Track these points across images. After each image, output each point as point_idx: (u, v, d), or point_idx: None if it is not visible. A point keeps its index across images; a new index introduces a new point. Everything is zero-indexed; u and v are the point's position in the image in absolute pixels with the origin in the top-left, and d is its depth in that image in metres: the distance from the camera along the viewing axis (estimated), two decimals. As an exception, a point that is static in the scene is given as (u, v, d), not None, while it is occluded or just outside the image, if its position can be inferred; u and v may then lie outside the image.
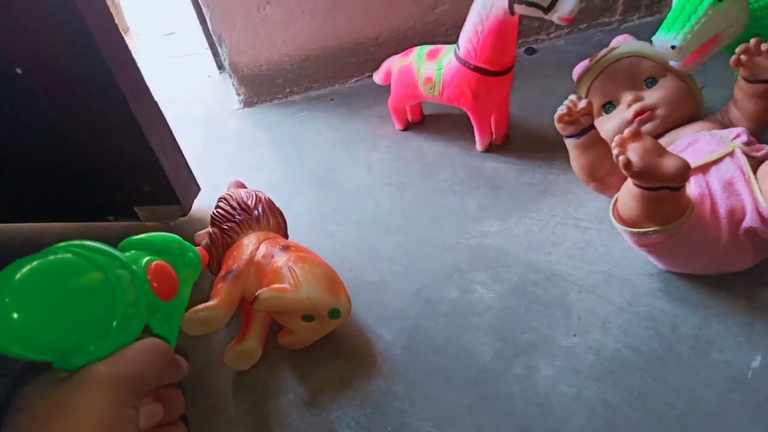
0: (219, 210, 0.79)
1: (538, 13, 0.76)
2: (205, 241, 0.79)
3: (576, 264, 0.78)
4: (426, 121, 1.06)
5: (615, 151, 0.61)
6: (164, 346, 0.37)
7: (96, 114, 0.81)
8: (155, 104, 0.87)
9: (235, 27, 1.06)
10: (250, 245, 0.73)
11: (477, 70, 0.85)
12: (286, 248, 0.72)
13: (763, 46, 0.68)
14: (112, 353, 0.35)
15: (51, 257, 0.35)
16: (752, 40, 0.69)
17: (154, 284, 0.39)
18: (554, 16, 0.76)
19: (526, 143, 0.97)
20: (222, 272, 0.71)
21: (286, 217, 0.87)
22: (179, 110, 1.24)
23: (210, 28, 1.06)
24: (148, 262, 0.39)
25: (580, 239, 0.81)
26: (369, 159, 1.02)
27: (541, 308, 0.74)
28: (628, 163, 0.59)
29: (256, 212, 0.78)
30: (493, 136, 0.97)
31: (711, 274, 0.71)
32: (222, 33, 1.06)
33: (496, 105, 0.92)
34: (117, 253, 0.38)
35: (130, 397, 0.33)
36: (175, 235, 0.43)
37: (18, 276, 0.33)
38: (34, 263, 0.34)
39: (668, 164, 0.59)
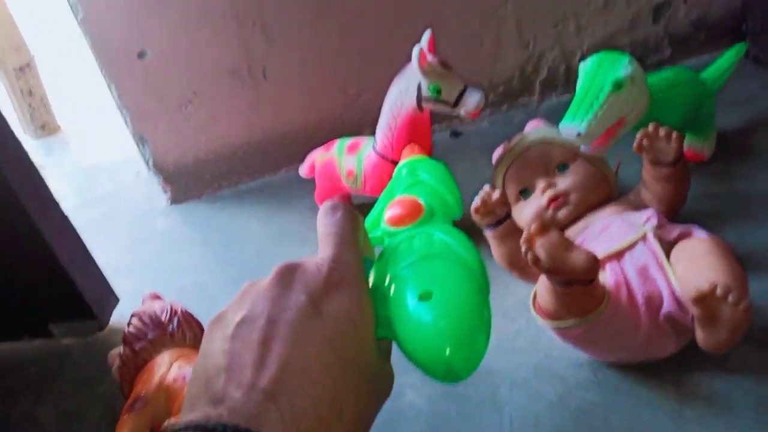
0: (131, 328, 0.75)
1: (446, 109, 0.77)
2: (117, 363, 0.75)
3: (506, 357, 0.76)
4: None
5: (523, 248, 0.60)
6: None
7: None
8: (63, 217, 0.84)
9: (157, 128, 1.04)
10: (162, 367, 0.69)
11: (395, 163, 0.85)
12: (200, 366, 0.68)
13: (662, 131, 0.70)
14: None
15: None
16: (650, 126, 0.70)
17: None
18: (461, 111, 0.77)
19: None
20: (130, 400, 0.66)
21: (209, 323, 0.83)
22: (105, 211, 1.20)
23: (130, 129, 1.04)
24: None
25: (509, 330, 0.79)
26: (299, 253, 1.00)
27: (472, 410, 0.71)
28: (536, 260, 0.59)
29: (170, 327, 0.74)
30: None
31: (638, 362, 0.70)
32: (144, 134, 1.05)
33: None
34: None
35: None
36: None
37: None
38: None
39: (577, 259, 0.59)
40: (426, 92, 0.77)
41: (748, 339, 0.59)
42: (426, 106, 0.78)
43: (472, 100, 0.75)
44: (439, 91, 0.76)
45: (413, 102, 0.79)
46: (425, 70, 0.76)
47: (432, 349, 0.32)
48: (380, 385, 0.32)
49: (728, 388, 0.67)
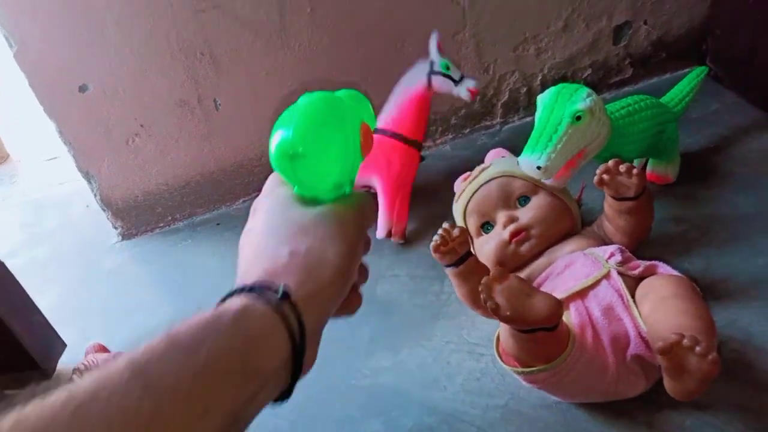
0: (71, 385, 0.70)
1: (450, 86, 0.89)
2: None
3: (472, 399, 0.72)
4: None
5: (482, 296, 0.57)
6: (372, 200, 0.45)
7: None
8: (2, 267, 0.79)
9: (103, 162, 0.99)
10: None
11: (396, 136, 0.91)
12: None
13: (622, 167, 0.68)
14: (349, 199, 0.42)
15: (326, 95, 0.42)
16: (611, 161, 0.68)
17: (362, 141, 0.42)
18: (463, 88, 0.88)
19: (418, 259, 0.94)
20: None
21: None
22: (52, 247, 1.14)
23: (75, 164, 0.99)
24: (361, 120, 0.43)
25: (475, 368, 0.76)
26: (257, 289, 0.96)
27: (438, 458, 0.68)
28: (496, 308, 0.56)
29: (114, 383, 0.69)
30: (392, 230, 0.94)
31: (608, 401, 0.67)
32: (89, 169, 1.00)
33: (406, 186, 0.95)
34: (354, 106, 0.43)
35: (364, 237, 0.42)
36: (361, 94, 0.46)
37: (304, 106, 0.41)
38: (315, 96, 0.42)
39: (538, 305, 0.56)
40: (437, 67, 0.89)
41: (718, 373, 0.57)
42: (435, 80, 0.89)
43: (472, 81, 0.89)
44: (448, 68, 0.89)
45: (424, 79, 0.90)
46: (442, 50, 0.89)
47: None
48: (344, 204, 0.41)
49: (700, 427, 0.64)
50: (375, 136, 0.92)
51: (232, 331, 0.33)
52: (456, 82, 0.89)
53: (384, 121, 0.92)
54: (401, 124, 0.91)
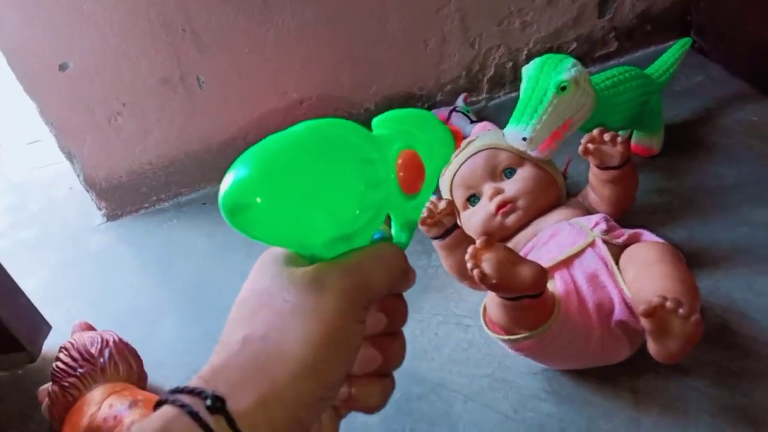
0: (59, 363, 0.69)
1: (465, 122, 1.00)
2: (46, 401, 0.69)
3: (460, 369, 0.73)
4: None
5: (469, 264, 0.57)
6: (401, 254, 0.33)
7: None
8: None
9: (85, 142, 0.98)
10: (92, 406, 0.64)
11: None
12: (134, 404, 0.63)
13: (606, 136, 0.68)
14: (348, 255, 0.31)
15: (300, 129, 0.30)
16: (595, 130, 0.69)
17: (401, 174, 0.33)
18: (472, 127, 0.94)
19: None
20: (57, 445, 0.62)
21: (149, 348, 0.78)
22: (37, 230, 1.13)
23: (57, 144, 0.98)
24: (399, 150, 0.33)
25: (463, 339, 0.77)
26: (244, 268, 0.94)
27: (426, 427, 0.68)
28: (483, 277, 0.56)
29: (101, 360, 0.69)
30: None
31: (592, 367, 0.68)
32: (71, 149, 0.98)
33: None
34: (368, 133, 0.32)
35: (360, 311, 0.29)
36: (434, 116, 0.36)
37: (264, 150, 0.29)
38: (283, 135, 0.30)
39: (524, 273, 0.56)
40: (460, 108, 1.05)
41: (701, 338, 0.57)
42: (455, 115, 1.04)
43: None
44: (468, 111, 1.04)
45: (446, 112, 1.04)
46: (467, 102, 1.10)
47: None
48: (330, 276, 0.30)
49: (683, 392, 0.66)
50: None
51: None
52: (471, 122, 1.03)
53: None
54: None
